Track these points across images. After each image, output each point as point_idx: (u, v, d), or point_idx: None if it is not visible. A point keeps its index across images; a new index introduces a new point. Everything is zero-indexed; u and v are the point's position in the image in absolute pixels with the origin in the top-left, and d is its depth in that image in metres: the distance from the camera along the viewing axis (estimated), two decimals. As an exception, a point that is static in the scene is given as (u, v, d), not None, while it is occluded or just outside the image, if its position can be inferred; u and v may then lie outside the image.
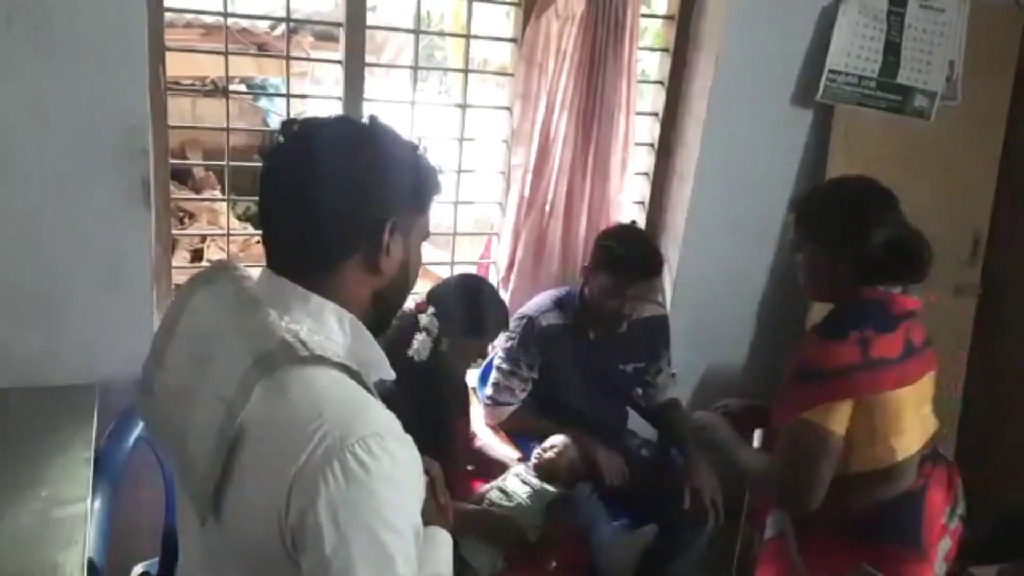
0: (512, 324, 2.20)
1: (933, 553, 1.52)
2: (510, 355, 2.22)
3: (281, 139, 0.89)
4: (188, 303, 0.92)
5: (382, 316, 0.93)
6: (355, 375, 0.81)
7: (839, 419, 1.36)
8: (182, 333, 0.90)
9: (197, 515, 0.82)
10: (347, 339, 0.86)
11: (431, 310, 1.77)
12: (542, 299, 2.27)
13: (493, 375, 2.26)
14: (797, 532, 1.53)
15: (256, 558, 0.78)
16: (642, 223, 2.65)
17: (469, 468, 2.07)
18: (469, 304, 1.78)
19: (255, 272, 0.94)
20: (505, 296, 2.44)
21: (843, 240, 1.42)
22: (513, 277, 2.49)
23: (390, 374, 0.90)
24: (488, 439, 2.19)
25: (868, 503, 1.44)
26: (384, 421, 0.78)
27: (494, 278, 2.52)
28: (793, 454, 1.40)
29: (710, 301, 2.63)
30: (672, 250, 2.61)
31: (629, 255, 2.07)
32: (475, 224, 2.72)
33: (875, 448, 1.41)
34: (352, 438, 0.73)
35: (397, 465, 0.75)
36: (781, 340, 2.63)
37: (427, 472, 0.91)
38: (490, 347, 2.22)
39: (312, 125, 0.90)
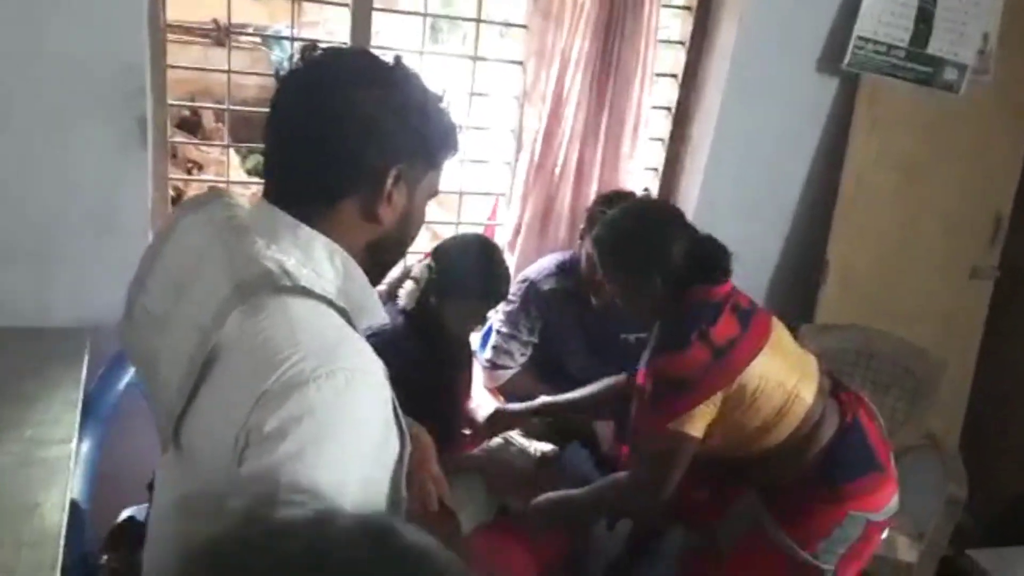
0: (514, 287, 2.16)
1: (891, 467, 1.56)
2: (510, 318, 2.20)
3: (298, 63, 0.86)
4: (176, 227, 0.90)
5: (374, 269, 0.89)
6: (342, 312, 0.79)
7: (699, 423, 1.40)
8: (166, 257, 0.88)
9: (161, 444, 0.81)
10: (338, 277, 0.83)
11: (429, 262, 1.72)
12: (545, 262, 2.24)
13: (493, 338, 2.23)
14: (774, 518, 1.53)
15: (204, 477, 0.76)
16: (655, 191, 2.58)
17: (465, 432, 2.04)
18: (475, 265, 1.73)
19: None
20: (511, 260, 2.40)
21: (647, 264, 1.47)
22: (519, 240, 2.45)
23: (382, 318, 0.87)
24: (482, 402, 2.14)
25: (818, 448, 1.47)
26: (363, 362, 0.75)
27: (500, 241, 2.45)
28: (652, 460, 1.45)
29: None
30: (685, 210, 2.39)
31: None
32: (483, 184, 2.61)
33: (780, 410, 1.44)
34: (322, 369, 0.70)
35: (358, 410, 0.72)
36: (793, 320, 2.46)
37: (414, 441, 0.87)
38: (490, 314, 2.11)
39: (332, 53, 0.88)
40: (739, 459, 1.55)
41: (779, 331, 1.54)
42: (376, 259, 0.87)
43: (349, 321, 0.79)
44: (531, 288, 2.17)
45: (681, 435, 1.40)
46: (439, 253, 1.75)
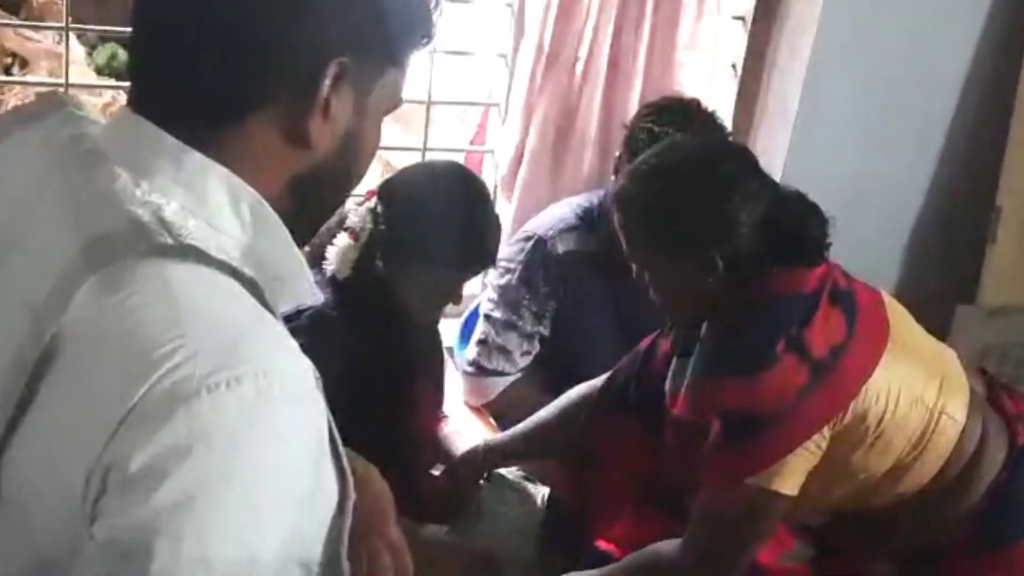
0: (512, 249, 1.93)
1: None
2: (506, 297, 1.90)
3: None
4: None
5: (301, 220, 0.79)
6: (250, 286, 0.69)
7: (795, 476, 1.32)
8: None
9: None
10: (245, 232, 0.73)
11: (373, 204, 1.53)
12: (560, 212, 1.97)
13: (480, 329, 1.93)
14: None
15: (37, 526, 0.68)
16: (730, 100, 2.28)
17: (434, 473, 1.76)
18: (444, 208, 1.51)
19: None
20: (507, 207, 2.15)
21: (701, 244, 1.34)
22: (521, 177, 2.17)
23: (313, 295, 0.79)
24: (461, 426, 1.86)
25: (982, 487, 1.38)
26: (284, 362, 0.66)
27: (491, 176, 2.21)
28: (719, 527, 1.37)
29: (831, 224, 2.24)
30: (771, 144, 2.26)
31: None
32: (464, 90, 2.45)
33: (919, 441, 1.36)
34: (221, 374, 0.62)
35: (275, 436, 0.64)
36: (943, 302, 2.31)
37: (361, 487, 0.81)
38: (484, 280, 1.97)
39: None
40: (860, 516, 1.42)
41: (898, 316, 1.42)
42: (304, 204, 0.79)
43: (261, 299, 0.71)
44: (539, 250, 1.90)
45: (765, 494, 1.31)
46: (389, 192, 1.55)
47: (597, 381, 1.65)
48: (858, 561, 1.50)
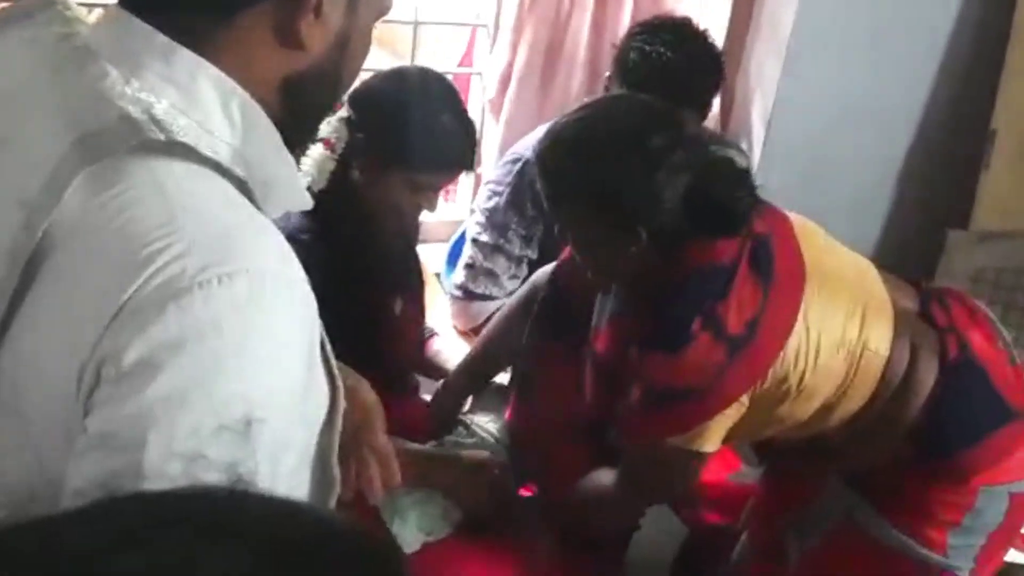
0: (500, 172, 1.91)
1: None
2: (493, 220, 1.88)
3: None
4: None
5: (293, 124, 0.79)
6: (240, 186, 0.70)
7: (716, 434, 1.33)
8: None
9: None
10: (235, 134, 0.72)
11: (345, 113, 1.52)
12: None
13: (467, 253, 1.92)
14: (878, 510, 1.42)
15: (34, 423, 0.69)
16: (723, 19, 2.21)
17: (415, 383, 1.77)
18: (413, 111, 1.49)
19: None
20: (495, 129, 2.14)
21: (625, 219, 1.32)
22: (509, 99, 2.13)
23: (303, 200, 0.78)
24: (451, 344, 1.84)
25: (915, 408, 1.38)
26: (277, 262, 0.67)
27: (478, 99, 2.18)
28: (636, 469, 1.40)
29: (825, 146, 2.22)
30: (763, 65, 2.20)
31: (670, 64, 1.75)
32: (451, 8, 2.41)
33: (841, 384, 1.36)
34: (212, 271, 0.62)
35: (268, 334, 0.64)
36: (935, 226, 2.29)
37: (352, 397, 0.86)
38: (449, 195, 2.00)
39: None
40: (800, 443, 1.44)
41: (813, 244, 1.38)
42: (296, 108, 0.78)
43: (251, 201, 0.71)
44: (527, 173, 1.84)
45: (685, 453, 1.32)
46: (360, 98, 1.53)
47: (524, 293, 1.65)
48: (806, 479, 1.51)
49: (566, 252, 1.54)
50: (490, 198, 1.87)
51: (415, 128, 1.46)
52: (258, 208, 0.72)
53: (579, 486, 1.49)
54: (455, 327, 1.91)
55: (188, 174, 0.69)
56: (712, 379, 1.29)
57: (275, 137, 0.76)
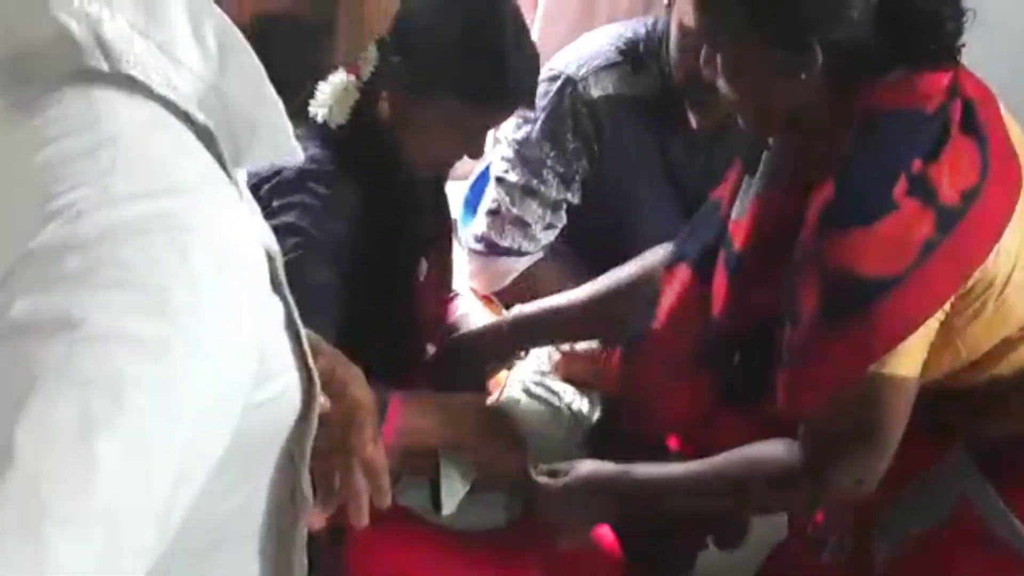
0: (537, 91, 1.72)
1: None
2: (526, 155, 1.68)
3: None
4: None
5: (276, 60, 0.72)
6: (205, 138, 0.65)
7: (917, 356, 1.18)
8: None
9: None
10: (208, 65, 0.68)
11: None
12: (595, 45, 1.73)
13: (490, 195, 1.73)
14: (998, 490, 1.29)
15: None
16: None
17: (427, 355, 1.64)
18: (466, 28, 1.37)
19: None
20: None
21: (799, 27, 1.16)
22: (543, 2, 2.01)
23: (290, 150, 0.74)
24: (472, 309, 1.70)
25: None
26: (225, 226, 0.62)
27: None
28: (839, 423, 1.23)
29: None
30: None
31: None
32: None
33: None
34: (137, 217, 0.58)
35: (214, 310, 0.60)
36: None
37: (336, 389, 0.84)
38: (497, 135, 1.80)
39: None
40: (944, 396, 1.31)
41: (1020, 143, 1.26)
42: (267, 55, 0.71)
43: (217, 154, 0.66)
44: (567, 94, 1.67)
45: (890, 381, 1.18)
46: (402, 13, 1.30)
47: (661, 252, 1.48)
48: (928, 445, 1.37)
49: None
50: (520, 126, 1.67)
51: (469, 50, 1.32)
52: (223, 161, 0.68)
53: (728, 462, 1.34)
54: (473, 289, 1.74)
55: (136, 113, 0.65)
56: (916, 263, 1.14)
57: (258, 70, 0.71)
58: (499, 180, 1.68)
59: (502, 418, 1.44)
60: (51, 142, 0.61)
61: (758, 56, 1.20)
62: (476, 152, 1.44)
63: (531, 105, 1.51)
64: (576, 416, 1.49)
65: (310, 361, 0.71)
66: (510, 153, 1.67)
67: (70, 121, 0.62)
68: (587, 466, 1.35)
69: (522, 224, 1.68)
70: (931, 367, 1.23)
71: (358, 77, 1.36)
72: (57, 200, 0.58)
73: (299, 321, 0.69)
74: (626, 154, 1.68)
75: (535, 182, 1.67)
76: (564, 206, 1.67)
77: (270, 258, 0.66)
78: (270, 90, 0.72)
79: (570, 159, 1.66)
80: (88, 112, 0.63)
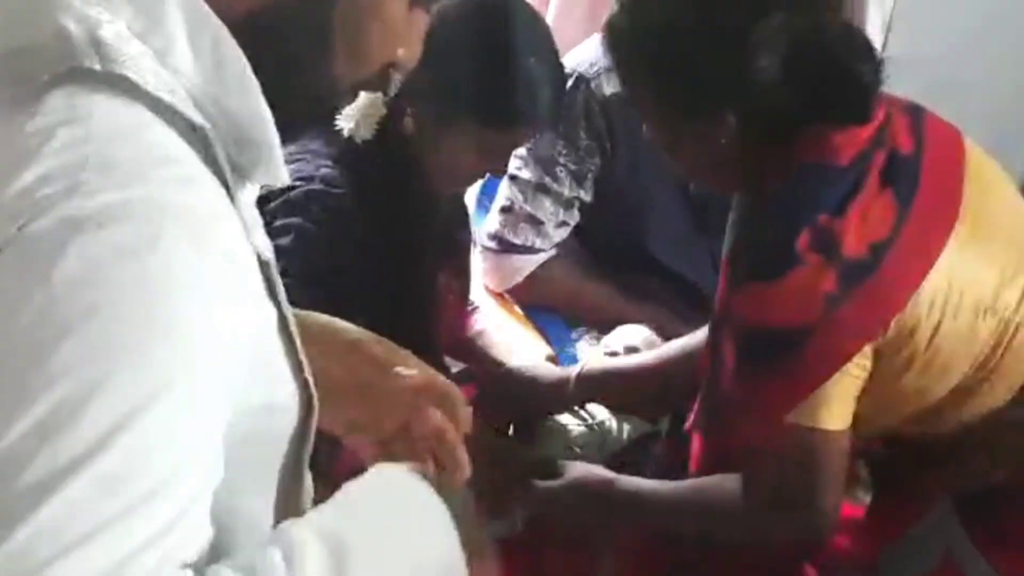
0: None
1: None
2: (539, 153, 1.70)
3: None
4: None
5: (267, 66, 0.71)
6: (197, 137, 0.65)
7: (841, 404, 1.17)
8: None
9: None
10: (205, 74, 0.68)
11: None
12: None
13: (503, 193, 1.74)
14: (978, 547, 1.29)
15: None
16: None
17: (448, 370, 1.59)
18: (489, 47, 1.36)
19: None
20: None
21: (709, 101, 1.18)
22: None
23: (276, 174, 0.71)
24: (492, 321, 1.70)
25: None
26: (196, 210, 0.62)
27: None
28: (775, 466, 1.23)
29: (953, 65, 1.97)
30: None
31: None
32: None
33: (987, 359, 1.22)
34: (109, 210, 0.58)
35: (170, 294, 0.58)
36: None
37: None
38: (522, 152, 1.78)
39: None
40: (920, 446, 1.32)
41: (980, 176, 1.24)
42: (255, 60, 0.70)
43: (214, 160, 0.65)
44: (580, 92, 1.69)
45: (811, 434, 1.17)
46: (431, 29, 1.32)
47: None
48: (913, 500, 1.38)
49: None
50: (533, 124, 1.61)
51: (494, 72, 1.33)
52: (220, 167, 0.67)
53: (696, 489, 1.36)
54: (486, 287, 1.74)
55: (126, 115, 0.65)
56: (821, 316, 1.14)
57: (252, 83, 0.70)
58: (512, 178, 1.69)
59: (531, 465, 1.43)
60: (42, 144, 0.62)
61: (674, 125, 1.23)
62: (500, 171, 1.43)
63: (557, 123, 1.50)
64: (606, 434, 1.50)
65: (307, 371, 0.71)
66: (522, 151, 1.67)
67: (52, 119, 0.62)
68: (579, 468, 1.36)
69: (535, 222, 1.68)
70: (877, 416, 1.24)
71: (385, 93, 1.31)
72: (30, 199, 0.58)
73: (295, 331, 0.69)
74: (639, 150, 1.67)
75: (548, 180, 1.68)
76: (577, 204, 1.69)
77: (265, 264, 0.66)
78: (264, 108, 0.72)
79: (583, 157, 1.67)
80: (74, 113, 0.63)
